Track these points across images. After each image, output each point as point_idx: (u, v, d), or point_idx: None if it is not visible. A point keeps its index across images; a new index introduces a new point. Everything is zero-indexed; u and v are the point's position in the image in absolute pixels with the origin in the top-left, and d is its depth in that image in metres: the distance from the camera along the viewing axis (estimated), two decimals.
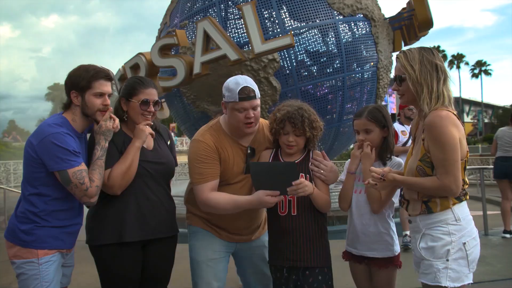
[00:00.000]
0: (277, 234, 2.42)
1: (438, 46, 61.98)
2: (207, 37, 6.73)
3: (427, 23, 8.33)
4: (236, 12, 7.89)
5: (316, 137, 2.45)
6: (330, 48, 8.02)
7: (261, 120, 2.61)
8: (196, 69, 6.83)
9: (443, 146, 1.99)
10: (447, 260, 2.02)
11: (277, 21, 7.75)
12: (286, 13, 7.83)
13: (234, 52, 6.49)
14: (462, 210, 2.10)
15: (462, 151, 2.05)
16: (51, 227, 2.24)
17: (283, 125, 2.39)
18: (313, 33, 8.17)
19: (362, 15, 8.06)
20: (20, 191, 2.33)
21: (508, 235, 6.06)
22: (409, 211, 2.21)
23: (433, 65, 2.09)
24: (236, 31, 7.84)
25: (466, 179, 2.14)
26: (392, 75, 9.10)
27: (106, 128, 2.32)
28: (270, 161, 2.47)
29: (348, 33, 8.20)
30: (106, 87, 2.34)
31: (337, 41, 7.81)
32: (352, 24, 8.16)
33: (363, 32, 8.24)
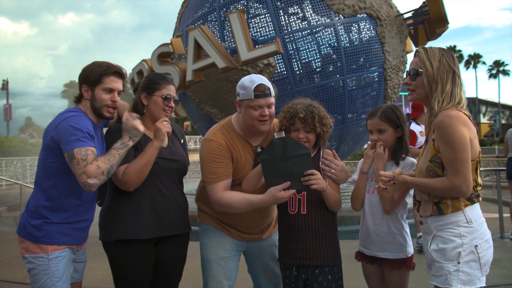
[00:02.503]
0: (287, 232, 2.41)
1: (454, 46, 61.27)
2: (198, 46, 7.00)
3: (441, 19, 8.13)
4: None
5: (326, 134, 2.43)
6: (329, 51, 7.98)
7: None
8: (189, 76, 7.12)
9: (453, 145, 1.97)
10: (458, 262, 1.99)
11: (272, 25, 7.78)
12: (283, 17, 7.87)
13: (222, 60, 6.71)
14: (474, 212, 2.07)
15: (473, 152, 2.01)
16: (60, 223, 2.26)
17: (293, 122, 2.38)
18: (312, 36, 8.12)
19: (366, 15, 7.90)
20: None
21: None
22: (420, 212, 2.19)
23: (450, 68, 2.09)
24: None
25: (479, 180, 2.11)
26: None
27: (132, 124, 2.31)
28: None
29: (349, 35, 8.05)
30: (117, 83, 2.36)
31: (336, 43, 7.74)
32: (354, 25, 8.02)
33: (367, 32, 8.09)
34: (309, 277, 2.33)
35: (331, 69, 8.09)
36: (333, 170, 2.40)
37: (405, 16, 8.74)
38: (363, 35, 8.13)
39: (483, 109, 59.05)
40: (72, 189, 2.25)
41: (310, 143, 2.41)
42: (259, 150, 2.51)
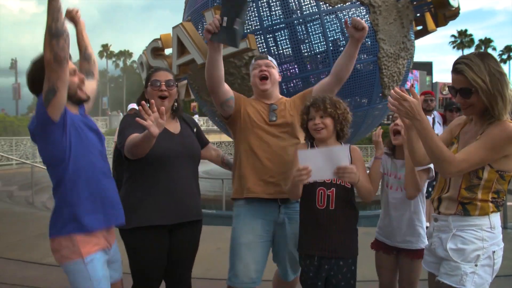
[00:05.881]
0: (312, 226, 2.47)
1: (466, 30, 60.45)
2: (181, 43, 7.43)
3: (443, 3, 7.91)
4: None
5: (345, 120, 2.48)
6: (316, 42, 7.81)
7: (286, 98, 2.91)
8: (174, 71, 7.55)
9: (489, 147, 1.96)
10: (476, 265, 2.00)
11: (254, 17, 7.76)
12: (265, 7, 7.78)
13: (201, 57, 7.08)
14: (497, 219, 2.08)
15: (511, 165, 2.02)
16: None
17: (307, 111, 2.50)
18: (298, 27, 7.89)
19: (357, 2, 7.61)
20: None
21: None
22: (441, 209, 2.16)
23: (499, 72, 2.00)
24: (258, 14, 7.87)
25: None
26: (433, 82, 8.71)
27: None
28: None
29: (337, 25, 7.81)
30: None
31: (322, 34, 7.60)
32: (342, 14, 7.75)
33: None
34: (333, 267, 2.42)
35: (318, 60, 7.95)
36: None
37: None
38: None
39: None
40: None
41: (328, 129, 2.46)
42: (273, 107, 2.80)
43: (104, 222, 2.28)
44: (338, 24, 7.89)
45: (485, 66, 1.98)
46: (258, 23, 7.69)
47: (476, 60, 1.99)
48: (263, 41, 7.67)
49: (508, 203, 6.40)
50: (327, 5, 7.51)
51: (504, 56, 60.61)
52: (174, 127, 2.71)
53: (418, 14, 8.72)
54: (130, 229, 2.50)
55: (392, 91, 1.99)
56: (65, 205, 2.23)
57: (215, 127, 15.99)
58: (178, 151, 2.59)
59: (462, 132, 2.19)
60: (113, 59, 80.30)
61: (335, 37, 7.97)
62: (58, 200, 2.25)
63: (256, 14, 7.72)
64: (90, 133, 2.33)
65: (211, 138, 27.23)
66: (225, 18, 2.45)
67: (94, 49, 2.76)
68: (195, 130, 2.85)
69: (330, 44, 7.61)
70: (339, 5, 7.56)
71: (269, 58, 2.88)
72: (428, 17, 8.77)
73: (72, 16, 2.65)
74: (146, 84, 2.71)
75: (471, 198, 2.05)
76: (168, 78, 2.66)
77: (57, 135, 2.18)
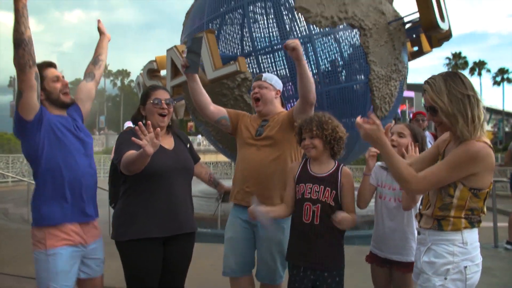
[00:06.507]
0: (299, 238, 2.59)
1: (460, 52, 61.38)
2: (174, 64, 7.75)
3: (432, 26, 7.86)
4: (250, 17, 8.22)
5: (334, 139, 2.56)
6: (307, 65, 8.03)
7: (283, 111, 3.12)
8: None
9: (453, 167, 2.00)
10: (445, 278, 2.05)
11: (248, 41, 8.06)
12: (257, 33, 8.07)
13: None
14: (472, 235, 2.10)
15: (485, 182, 2.05)
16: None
17: (300, 132, 2.64)
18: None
19: (346, 25, 7.74)
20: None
21: (509, 246, 6.06)
22: (421, 223, 2.24)
23: (463, 94, 2.00)
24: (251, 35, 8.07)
25: (485, 209, 2.16)
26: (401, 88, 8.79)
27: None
28: (299, 169, 2.66)
29: (328, 47, 7.93)
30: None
31: (313, 57, 7.75)
32: (332, 37, 7.91)
33: (348, 43, 7.94)
34: (319, 278, 2.51)
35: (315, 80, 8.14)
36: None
37: (411, 18, 8.42)
38: (342, 47, 8.02)
39: (487, 116, 58.67)
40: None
41: (317, 149, 2.57)
42: (263, 123, 3.04)
43: (73, 218, 2.48)
44: (335, 46, 8.08)
45: (447, 87, 2.02)
46: (251, 46, 7.96)
47: (439, 80, 2.05)
48: (255, 63, 7.92)
49: (499, 224, 6.49)
50: (318, 28, 7.73)
51: (498, 79, 61.33)
52: (169, 142, 2.84)
53: (414, 36, 8.90)
54: (126, 240, 2.60)
55: (357, 119, 2.09)
56: (37, 198, 2.46)
57: (212, 147, 16.16)
58: (173, 165, 2.71)
59: (447, 149, 2.22)
60: (111, 78, 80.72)
61: (331, 58, 8.14)
62: (34, 193, 2.49)
63: (249, 39, 7.98)
64: (70, 135, 2.53)
65: (208, 158, 27.31)
66: (191, 55, 2.92)
67: None
68: (188, 146, 2.98)
69: (327, 65, 7.81)
70: (328, 28, 7.76)
71: (264, 76, 3.10)
72: (424, 39, 8.94)
73: (98, 26, 3.01)
74: (142, 101, 2.83)
75: (445, 215, 2.12)
76: (167, 97, 2.81)
77: (31, 133, 2.41)
